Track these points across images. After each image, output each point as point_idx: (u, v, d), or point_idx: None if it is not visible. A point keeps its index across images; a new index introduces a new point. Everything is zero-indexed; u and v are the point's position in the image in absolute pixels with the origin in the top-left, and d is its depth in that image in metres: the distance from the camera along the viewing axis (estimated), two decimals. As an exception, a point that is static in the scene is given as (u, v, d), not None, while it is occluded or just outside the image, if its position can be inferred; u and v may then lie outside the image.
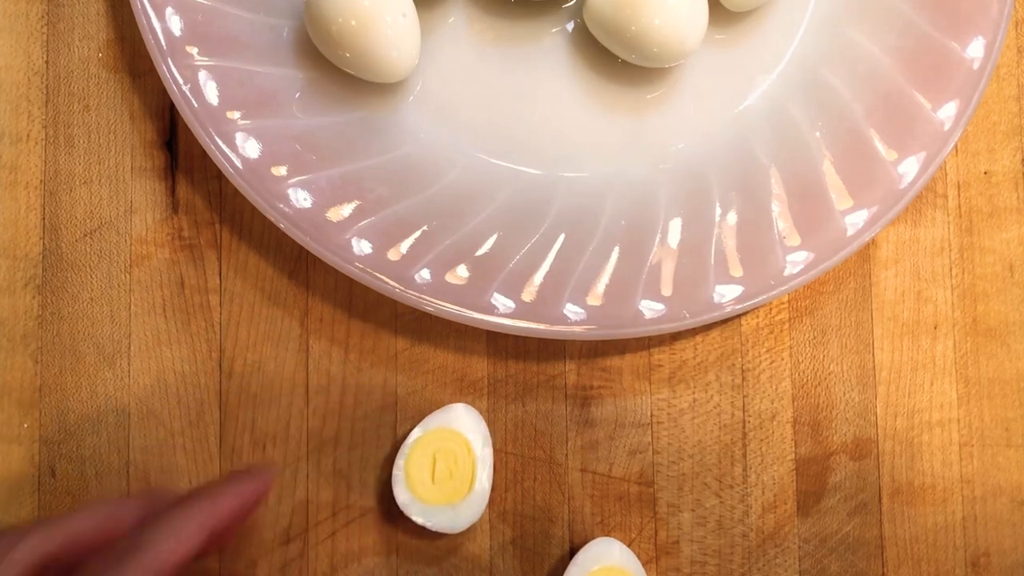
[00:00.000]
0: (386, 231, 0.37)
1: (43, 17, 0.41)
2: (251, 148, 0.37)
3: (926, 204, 0.41)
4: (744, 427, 0.40)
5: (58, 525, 0.31)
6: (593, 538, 0.39)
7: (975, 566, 0.40)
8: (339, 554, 0.39)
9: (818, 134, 0.39)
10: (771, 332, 0.40)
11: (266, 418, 0.39)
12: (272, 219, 0.37)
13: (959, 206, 0.42)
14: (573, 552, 0.39)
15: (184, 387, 0.39)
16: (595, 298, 0.37)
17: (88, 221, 0.40)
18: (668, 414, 0.40)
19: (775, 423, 0.40)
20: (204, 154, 0.37)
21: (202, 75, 0.38)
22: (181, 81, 0.37)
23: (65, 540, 0.31)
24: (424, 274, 0.37)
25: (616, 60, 0.40)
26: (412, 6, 0.37)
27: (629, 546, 0.39)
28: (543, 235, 0.38)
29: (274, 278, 0.40)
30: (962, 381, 0.41)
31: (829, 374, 0.40)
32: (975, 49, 0.39)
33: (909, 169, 0.38)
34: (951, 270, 0.41)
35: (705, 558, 0.39)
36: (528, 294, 0.37)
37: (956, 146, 0.42)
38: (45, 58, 0.41)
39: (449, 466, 0.37)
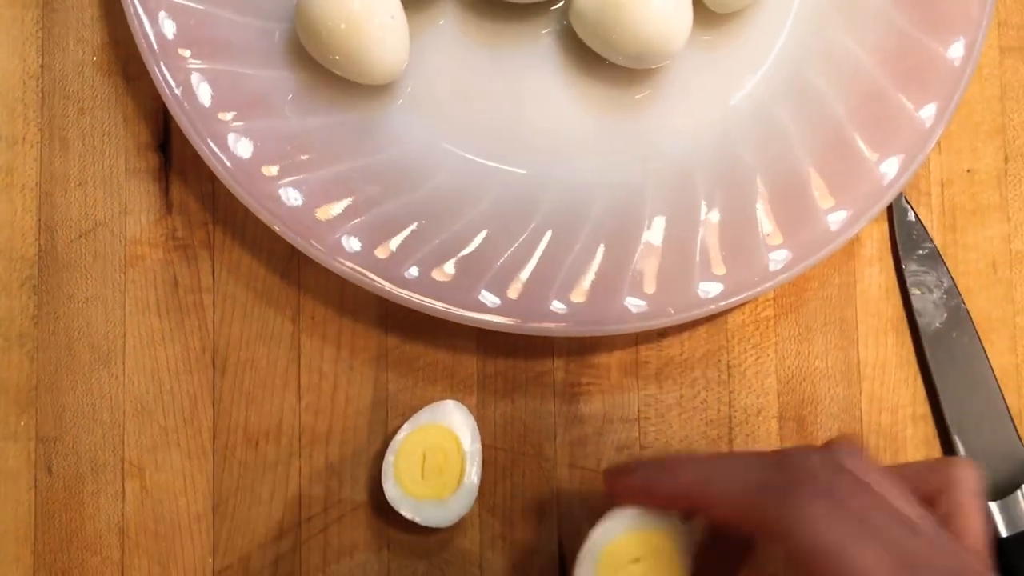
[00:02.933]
0: (375, 230, 0.38)
1: (38, 22, 0.42)
2: (243, 149, 0.38)
3: (910, 202, 0.42)
4: (730, 422, 0.41)
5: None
6: (582, 532, 0.39)
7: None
8: (331, 549, 0.39)
9: (802, 134, 0.40)
10: (757, 328, 0.41)
11: (259, 415, 0.40)
12: (263, 218, 0.37)
13: (943, 204, 0.42)
14: (562, 546, 0.39)
15: (178, 385, 0.40)
16: (580, 295, 0.38)
17: (83, 222, 0.41)
18: (655, 410, 0.41)
19: (760, 418, 0.41)
20: (197, 156, 0.38)
21: (194, 78, 0.38)
22: (174, 84, 0.38)
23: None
24: (412, 272, 0.37)
25: (603, 61, 0.41)
26: (400, 9, 0.38)
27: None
28: (530, 233, 0.39)
29: (266, 277, 0.40)
30: (945, 376, 0.41)
31: (814, 370, 0.41)
32: (956, 49, 0.39)
33: (891, 168, 0.39)
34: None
35: (692, 551, 0.40)
36: (514, 291, 0.38)
37: (940, 145, 0.42)
38: (40, 62, 0.41)
39: (438, 461, 0.38)
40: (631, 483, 0.32)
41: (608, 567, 0.31)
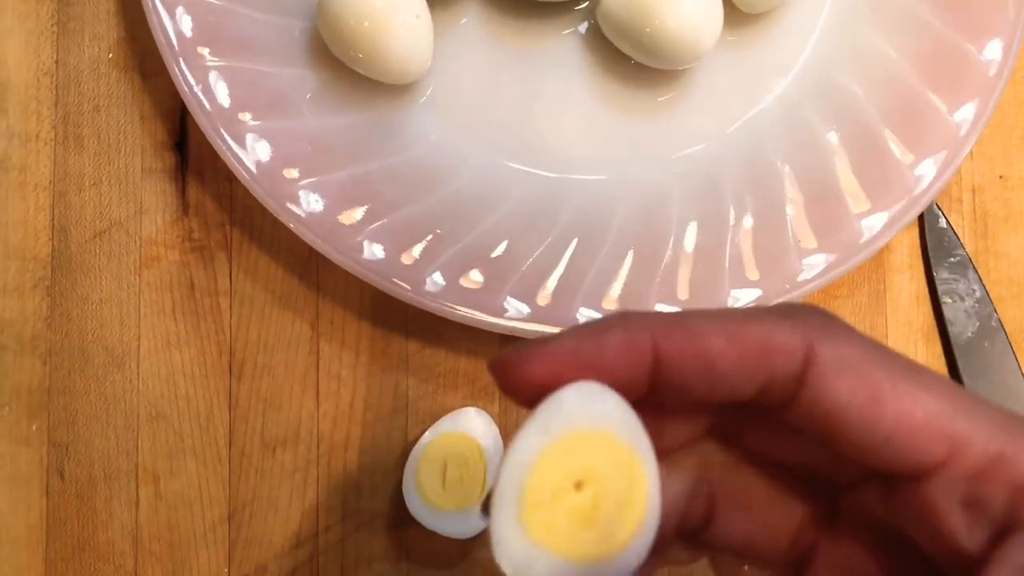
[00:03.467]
0: (398, 234, 0.37)
1: (53, 16, 0.41)
2: (262, 150, 0.37)
3: (941, 208, 0.41)
4: (757, 432, 0.40)
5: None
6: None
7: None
8: (349, 559, 0.38)
9: (833, 137, 0.39)
10: (785, 336, 0.40)
11: (276, 421, 0.39)
12: (284, 222, 0.37)
13: (974, 210, 0.41)
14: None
15: (193, 389, 0.39)
16: (610, 302, 0.37)
17: (97, 222, 0.40)
18: (681, 419, 0.40)
19: (789, 428, 0.40)
20: (214, 155, 0.37)
21: (213, 76, 0.37)
22: (192, 82, 0.37)
23: None
24: (437, 278, 0.37)
25: (629, 62, 0.40)
26: (425, 7, 0.37)
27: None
28: (556, 238, 0.38)
29: (284, 280, 0.40)
30: (977, 387, 0.40)
31: (843, 379, 0.40)
32: (992, 51, 0.39)
33: (925, 172, 0.38)
34: (966, 275, 0.41)
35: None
36: (542, 298, 0.37)
37: (971, 150, 0.41)
38: (55, 58, 0.41)
39: (460, 471, 0.37)
40: (559, 350, 0.20)
41: (537, 507, 0.19)
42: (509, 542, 0.19)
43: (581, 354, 0.20)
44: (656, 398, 0.21)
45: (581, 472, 0.20)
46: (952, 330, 0.40)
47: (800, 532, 0.23)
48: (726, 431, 0.23)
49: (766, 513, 0.23)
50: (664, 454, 0.22)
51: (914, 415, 0.19)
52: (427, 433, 0.38)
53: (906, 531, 0.21)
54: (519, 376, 0.21)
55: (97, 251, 0.40)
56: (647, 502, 0.20)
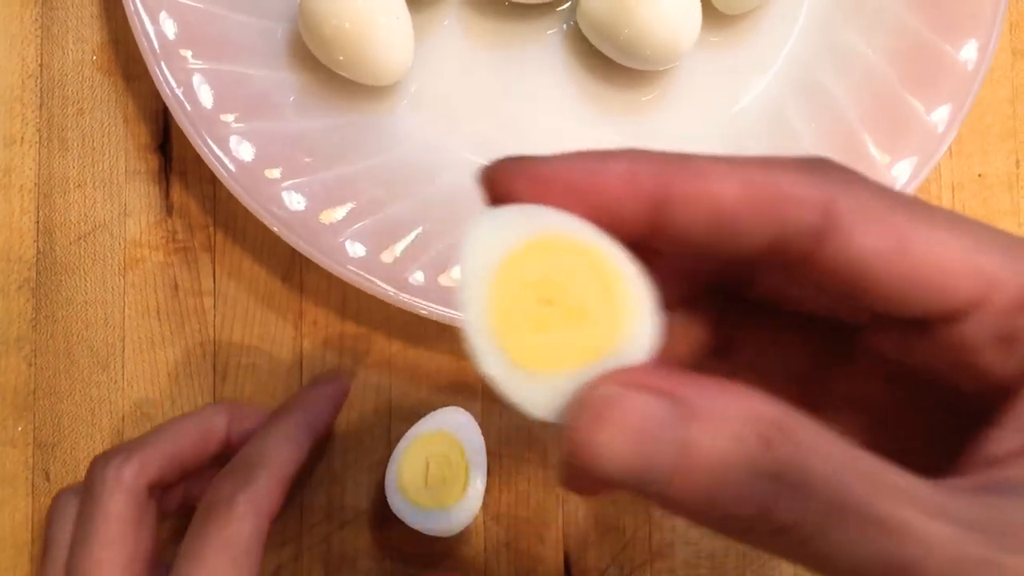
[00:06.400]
0: (380, 234, 0.37)
1: (37, 20, 0.41)
2: (245, 151, 0.37)
3: (920, 206, 0.41)
4: (738, 429, 0.40)
5: (157, 446, 0.32)
6: (588, 539, 0.39)
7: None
8: (333, 557, 0.39)
9: (812, 136, 0.39)
10: (765, 334, 0.40)
11: (260, 421, 0.39)
12: (266, 222, 0.37)
13: (953, 208, 0.42)
14: (567, 554, 0.39)
15: (178, 389, 0.39)
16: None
17: (82, 224, 0.40)
18: (662, 416, 0.40)
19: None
20: (198, 157, 0.37)
21: (196, 78, 0.38)
22: (175, 84, 0.37)
23: (168, 461, 0.32)
24: (418, 276, 0.37)
25: (610, 63, 0.40)
26: (405, 8, 0.37)
27: (623, 549, 0.39)
28: (537, 238, 0.38)
29: (268, 281, 0.40)
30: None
31: (823, 376, 0.40)
32: (968, 51, 0.39)
33: (902, 172, 0.38)
34: (945, 272, 0.41)
35: (699, 561, 0.39)
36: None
37: (950, 148, 0.42)
38: (39, 61, 0.41)
39: (442, 469, 0.37)
40: (554, 169, 0.19)
41: (513, 336, 0.18)
42: (510, 385, 0.17)
43: (577, 177, 0.19)
44: (653, 246, 0.19)
45: (550, 287, 0.18)
46: (931, 327, 0.41)
47: (813, 370, 0.23)
48: (733, 282, 0.22)
49: (780, 353, 0.23)
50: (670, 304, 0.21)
51: (944, 257, 0.19)
52: (410, 432, 0.38)
53: (930, 368, 0.20)
54: (504, 190, 0.19)
55: (82, 253, 0.40)
56: (634, 296, 0.18)
